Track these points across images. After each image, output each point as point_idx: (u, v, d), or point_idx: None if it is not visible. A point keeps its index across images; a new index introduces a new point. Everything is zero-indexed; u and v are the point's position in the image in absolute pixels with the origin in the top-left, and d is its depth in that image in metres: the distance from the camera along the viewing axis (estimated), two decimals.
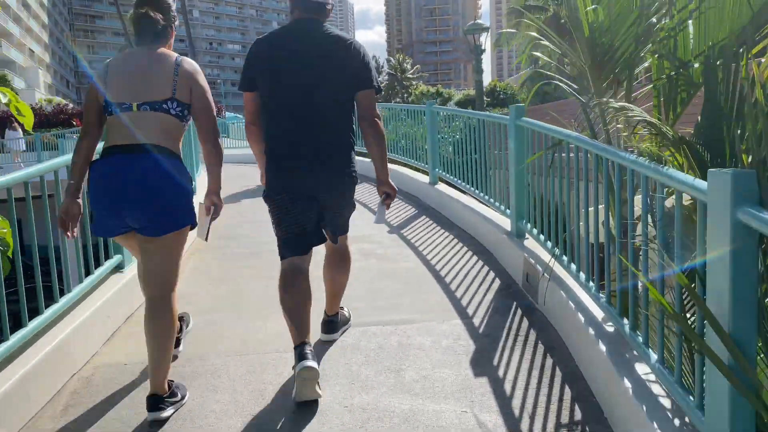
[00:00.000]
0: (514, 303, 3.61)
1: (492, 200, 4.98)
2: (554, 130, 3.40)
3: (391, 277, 4.23)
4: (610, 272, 2.75)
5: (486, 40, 12.20)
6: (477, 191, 5.39)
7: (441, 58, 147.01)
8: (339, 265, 3.18)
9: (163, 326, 2.55)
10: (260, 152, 2.92)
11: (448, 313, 3.50)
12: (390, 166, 3.05)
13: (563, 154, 3.33)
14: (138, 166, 2.50)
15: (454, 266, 4.37)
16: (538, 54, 4.09)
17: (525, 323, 3.31)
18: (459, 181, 5.90)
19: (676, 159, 2.58)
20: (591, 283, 2.88)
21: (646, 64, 3.20)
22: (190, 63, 2.66)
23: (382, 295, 3.87)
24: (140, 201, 2.50)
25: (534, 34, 3.62)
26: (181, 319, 3.17)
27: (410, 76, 75.48)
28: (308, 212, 2.81)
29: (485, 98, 63.10)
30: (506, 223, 4.50)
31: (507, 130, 4.33)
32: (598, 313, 2.81)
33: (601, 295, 2.74)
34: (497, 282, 4.00)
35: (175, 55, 2.67)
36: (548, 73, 4.42)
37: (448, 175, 6.29)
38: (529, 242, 4.02)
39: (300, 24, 2.82)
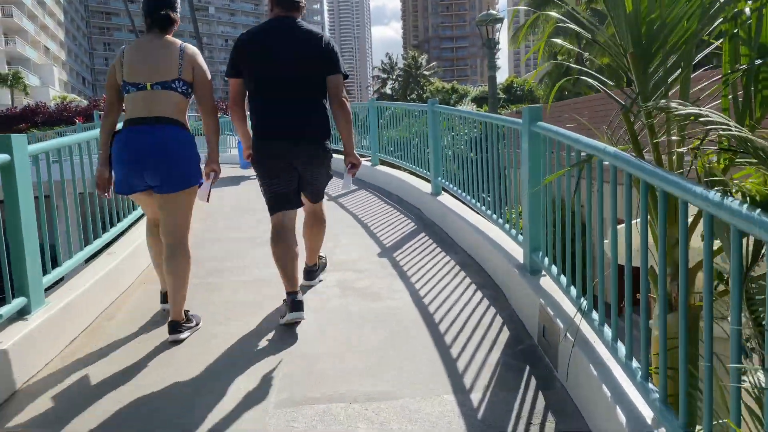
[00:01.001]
0: (527, 368, 2.74)
1: (501, 221, 4.10)
2: (581, 141, 2.53)
3: (374, 321, 3.37)
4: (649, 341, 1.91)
5: (501, 33, 11.27)
6: (483, 209, 4.52)
7: (457, 54, 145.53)
8: (314, 224, 3.80)
9: (180, 266, 3.15)
10: (243, 130, 3.51)
11: (438, 383, 2.64)
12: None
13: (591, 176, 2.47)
14: (154, 134, 3.06)
15: (453, 306, 3.51)
16: (558, 41, 3.22)
17: (540, 403, 2.44)
18: (463, 194, 5.03)
19: None
20: (633, 363, 2.02)
21: (710, 50, 2.31)
22: (191, 48, 3.18)
23: (357, 350, 3.01)
24: (157, 163, 3.06)
25: (554, 14, 2.73)
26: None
27: (426, 72, 74.44)
28: (288, 180, 3.37)
29: (501, 95, 61.86)
30: (519, 253, 3.63)
31: (520, 137, 3.46)
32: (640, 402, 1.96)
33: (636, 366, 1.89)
34: (505, 332, 3.13)
35: (179, 41, 3.17)
36: (573, 65, 3.58)
37: (452, 186, 5.42)
38: (547, 282, 3.16)
39: (278, 20, 3.32)
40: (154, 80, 3.10)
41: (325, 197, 3.81)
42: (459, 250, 4.63)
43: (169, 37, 3.21)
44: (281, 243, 3.37)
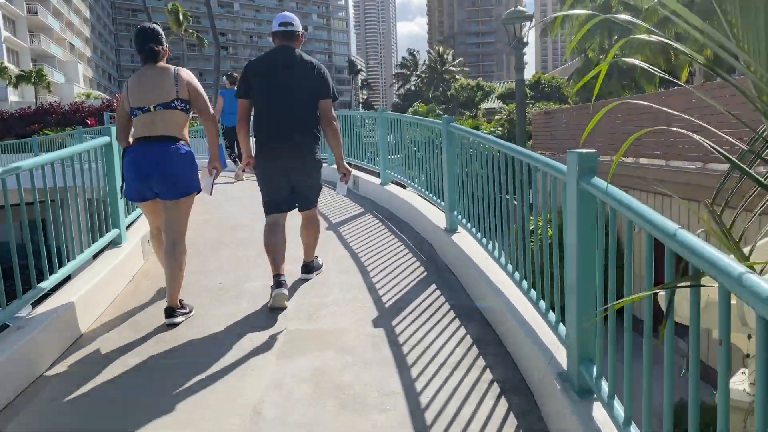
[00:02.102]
0: None
1: (533, 293, 3.05)
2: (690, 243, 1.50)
3: None
4: None
5: (529, 30, 10.14)
6: (510, 268, 3.46)
7: (483, 50, 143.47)
8: (309, 227, 4.32)
9: (177, 259, 3.74)
10: (246, 143, 4.14)
11: None
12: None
13: None
14: (159, 150, 3.67)
15: (469, 425, 2.49)
16: (644, 36, 2.18)
17: None
18: (484, 241, 3.99)
19: None
20: None
21: None
22: (184, 71, 3.78)
23: None
24: (161, 175, 3.67)
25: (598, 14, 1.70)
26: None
27: (452, 68, 73.03)
28: (282, 187, 4.02)
29: (528, 92, 60.40)
30: (561, 354, 2.59)
31: (563, 191, 2.42)
32: None
33: None
34: None
35: (172, 67, 3.78)
36: (646, 65, 2.50)
37: (469, 226, 4.37)
38: (601, 415, 2.12)
39: (280, 50, 3.98)
40: (155, 102, 3.66)
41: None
42: (476, 318, 3.60)
43: (162, 64, 3.79)
44: (273, 237, 4.01)
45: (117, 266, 4.32)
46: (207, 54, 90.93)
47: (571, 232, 2.28)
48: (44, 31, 61.65)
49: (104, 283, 4.04)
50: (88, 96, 53.49)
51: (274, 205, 4.04)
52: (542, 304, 2.88)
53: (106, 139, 4.53)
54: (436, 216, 5.39)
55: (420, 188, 6.01)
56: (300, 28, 4.04)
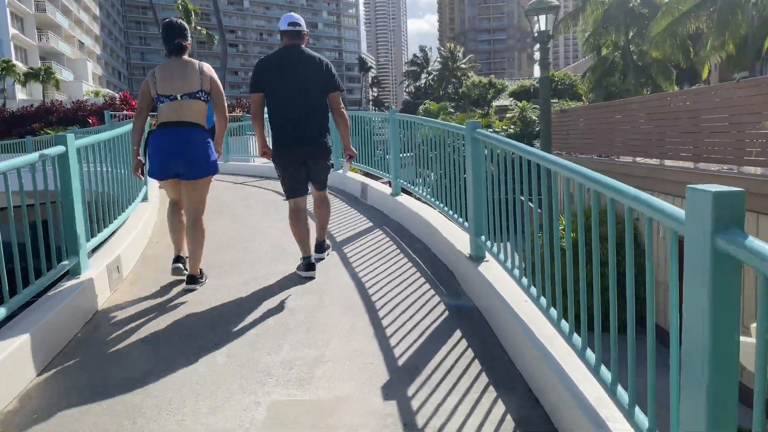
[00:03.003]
0: None
1: (605, 372, 2.22)
2: None
3: None
4: None
5: (556, 22, 9.25)
6: (565, 328, 2.63)
7: (494, 47, 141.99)
8: (321, 206, 4.75)
9: (198, 233, 4.21)
10: (261, 134, 4.51)
11: None
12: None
13: None
14: (182, 135, 4.08)
15: None
16: None
17: None
18: (523, 279, 3.16)
19: None
20: None
21: None
22: (207, 66, 4.24)
23: None
24: (184, 157, 4.08)
25: None
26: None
27: (463, 66, 71.92)
28: (299, 172, 4.44)
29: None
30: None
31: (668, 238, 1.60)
32: None
33: None
34: None
35: (197, 61, 4.19)
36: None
37: (501, 257, 3.53)
38: None
39: (288, 48, 4.34)
40: (183, 92, 4.10)
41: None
42: (517, 385, 2.78)
43: (187, 57, 4.20)
44: (297, 221, 4.44)
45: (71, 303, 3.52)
46: (216, 51, 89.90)
47: (697, 310, 1.45)
48: (53, 29, 61.23)
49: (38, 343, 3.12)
50: (97, 94, 53.00)
51: (294, 190, 4.49)
52: (620, 392, 2.05)
53: (60, 149, 3.73)
54: (456, 236, 4.56)
55: (437, 203, 5.16)
56: (305, 28, 4.44)
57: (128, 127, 5.36)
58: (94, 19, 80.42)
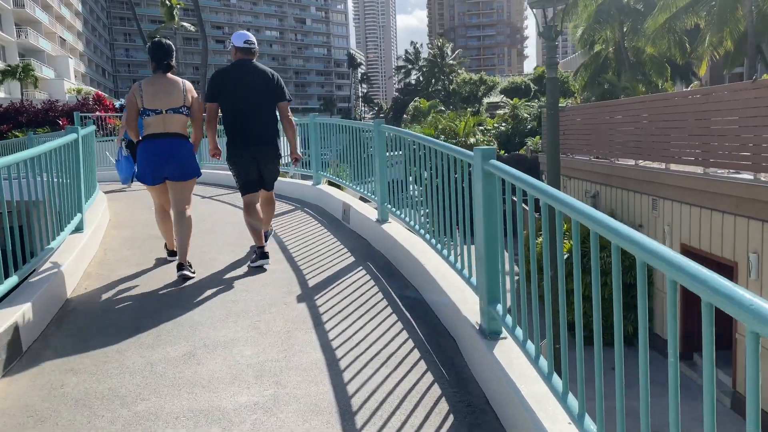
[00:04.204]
0: None
1: None
2: None
3: None
4: None
5: (556, 17, 8.19)
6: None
7: (484, 43, 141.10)
8: (267, 204, 5.36)
9: (185, 227, 4.76)
10: (213, 138, 5.04)
11: None
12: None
13: None
14: (172, 143, 4.74)
15: None
16: None
17: None
18: (554, 383, 2.13)
19: None
20: None
21: None
22: (188, 83, 4.88)
23: None
24: (174, 162, 4.75)
25: None
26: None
27: (451, 62, 70.77)
28: (251, 171, 5.03)
29: (532, 86, 58.29)
30: None
31: None
32: None
33: None
34: None
35: (180, 79, 4.83)
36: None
37: (524, 341, 2.49)
38: None
39: (242, 62, 4.96)
40: (168, 107, 4.71)
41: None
42: None
43: (171, 75, 4.85)
44: (252, 213, 5.02)
45: None
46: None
47: None
48: (32, 25, 59.55)
49: None
50: (79, 92, 51.42)
51: (249, 186, 5.05)
52: None
53: None
54: (459, 288, 3.53)
55: (434, 242, 4.09)
56: (257, 46, 5.04)
57: (59, 141, 4.92)
58: (76, 15, 78.56)
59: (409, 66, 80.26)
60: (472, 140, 34.74)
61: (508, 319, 2.74)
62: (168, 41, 4.86)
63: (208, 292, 4.39)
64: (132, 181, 8.23)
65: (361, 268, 4.77)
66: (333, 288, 4.33)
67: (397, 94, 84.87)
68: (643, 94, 27.35)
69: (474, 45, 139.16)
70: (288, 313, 3.87)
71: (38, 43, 59.36)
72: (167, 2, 44.34)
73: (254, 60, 4.98)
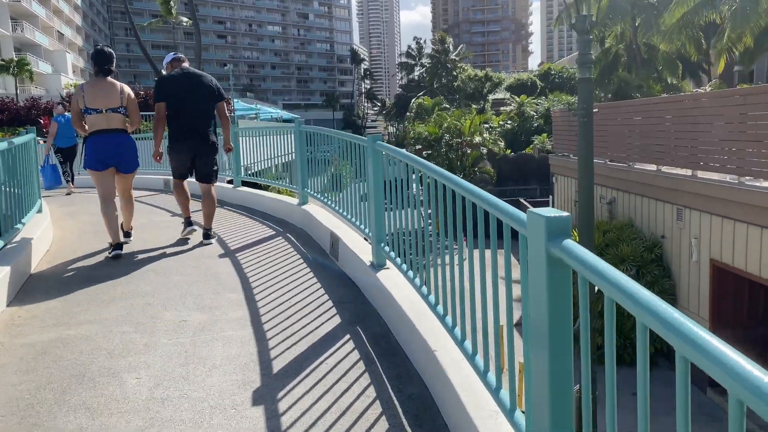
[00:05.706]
0: None
1: None
2: None
3: None
4: None
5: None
6: None
7: (488, 39, 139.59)
8: (208, 198, 6.14)
9: (130, 205, 6.04)
10: (160, 137, 5.95)
11: None
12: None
13: None
14: (117, 138, 5.58)
15: None
16: None
17: None
18: None
19: None
20: None
21: None
22: (126, 87, 5.66)
23: None
24: (117, 156, 5.61)
25: None
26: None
27: (454, 57, 69.23)
28: (186, 162, 6.04)
29: (538, 82, 56.64)
30: None
31: None
32: None
33: None
34: None
35: (119, 83, 5.61)
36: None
37: None
38: None
39: (182, 69, 5.92)
40: (108, 107, 5.48)
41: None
42: None
43: (111, 79, 5.58)
44: (180, 192, 6.17)
45: None
46: (205, 43, 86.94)
47: None
48: (28, 19, 58.38)
49: None
50: (76, 86, 50.29)
51: (181, 174, 6.16)
52: None
53: None
54: (484, 404, 2.31)
55: (455, 330, 2.83)
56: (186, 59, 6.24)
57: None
58: (75, 9, 77.35)
59: (412, 62, 78.81)
60: (477, 139, 33.36)
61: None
62: (109, 49, 5.72)
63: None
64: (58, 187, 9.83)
65: (348, 339, 3.52)
66: (307, 377, 3.10)
67: (400, 90, 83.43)
68: (659, 92, 26.03)
69: (478, 41, 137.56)
70: (237, 426, 2.64)
71: (35, 37, 58.19)
72: None
73: (190, 68, 6.01)
